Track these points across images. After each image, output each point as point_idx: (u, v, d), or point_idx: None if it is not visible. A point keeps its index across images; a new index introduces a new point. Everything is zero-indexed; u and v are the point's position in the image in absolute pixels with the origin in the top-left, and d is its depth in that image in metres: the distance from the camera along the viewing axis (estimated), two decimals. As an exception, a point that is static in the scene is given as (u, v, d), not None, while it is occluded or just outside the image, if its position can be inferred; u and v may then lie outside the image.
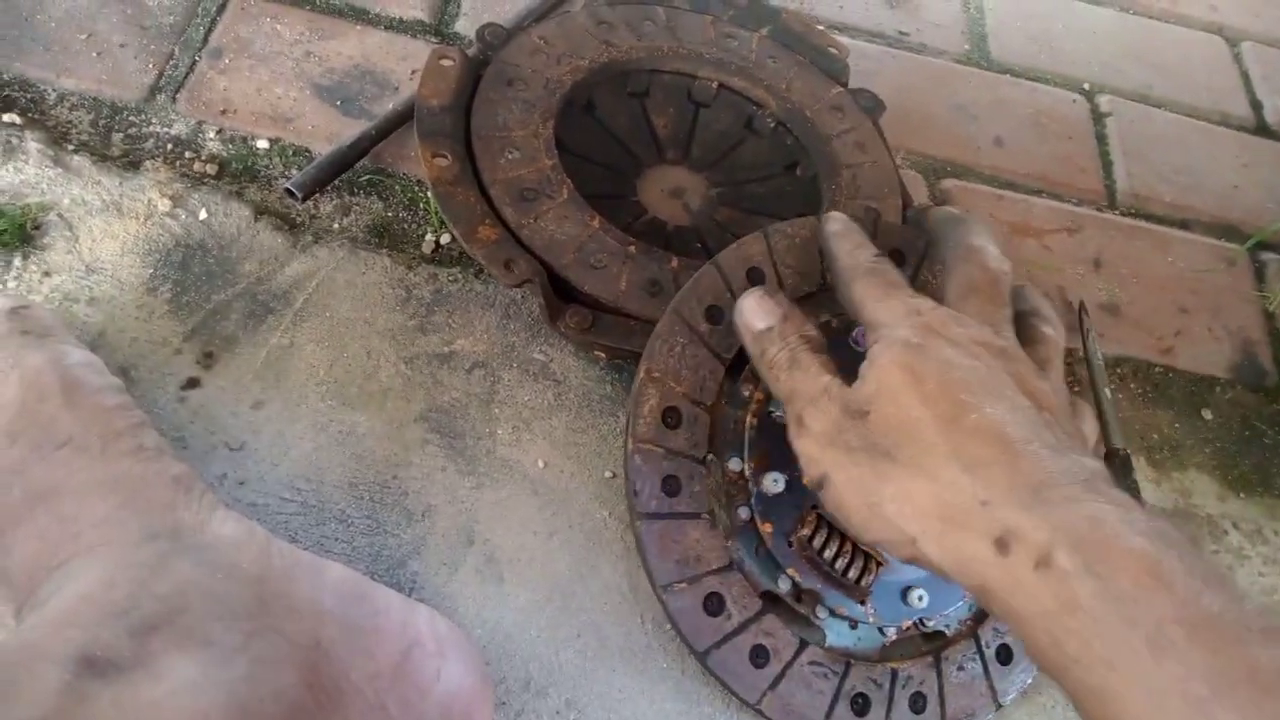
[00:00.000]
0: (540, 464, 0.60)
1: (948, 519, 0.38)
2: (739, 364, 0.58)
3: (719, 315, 0.57)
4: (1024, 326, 0.50)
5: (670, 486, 0.54)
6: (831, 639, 0.55)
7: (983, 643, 0.57)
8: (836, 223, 0.54)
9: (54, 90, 0.68)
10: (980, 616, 0.58)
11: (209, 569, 0.43)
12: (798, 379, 0.46)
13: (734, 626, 0.53)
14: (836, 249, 0.52)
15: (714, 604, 0.53)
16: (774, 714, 0.53)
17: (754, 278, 0.59)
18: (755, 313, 0.50)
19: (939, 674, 0.56)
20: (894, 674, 0.55)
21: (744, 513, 0.55)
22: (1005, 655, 0.57)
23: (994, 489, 0.37)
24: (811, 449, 0.44)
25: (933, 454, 0.39)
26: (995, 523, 0.37)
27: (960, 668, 0.56)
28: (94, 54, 0.70)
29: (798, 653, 0.54)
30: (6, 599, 0.44)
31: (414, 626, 0.47)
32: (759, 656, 0.53)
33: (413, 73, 0.75)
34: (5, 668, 0.37)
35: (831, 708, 0.53)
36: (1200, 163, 0.91)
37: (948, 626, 0.57)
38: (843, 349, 0.58)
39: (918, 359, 0.41)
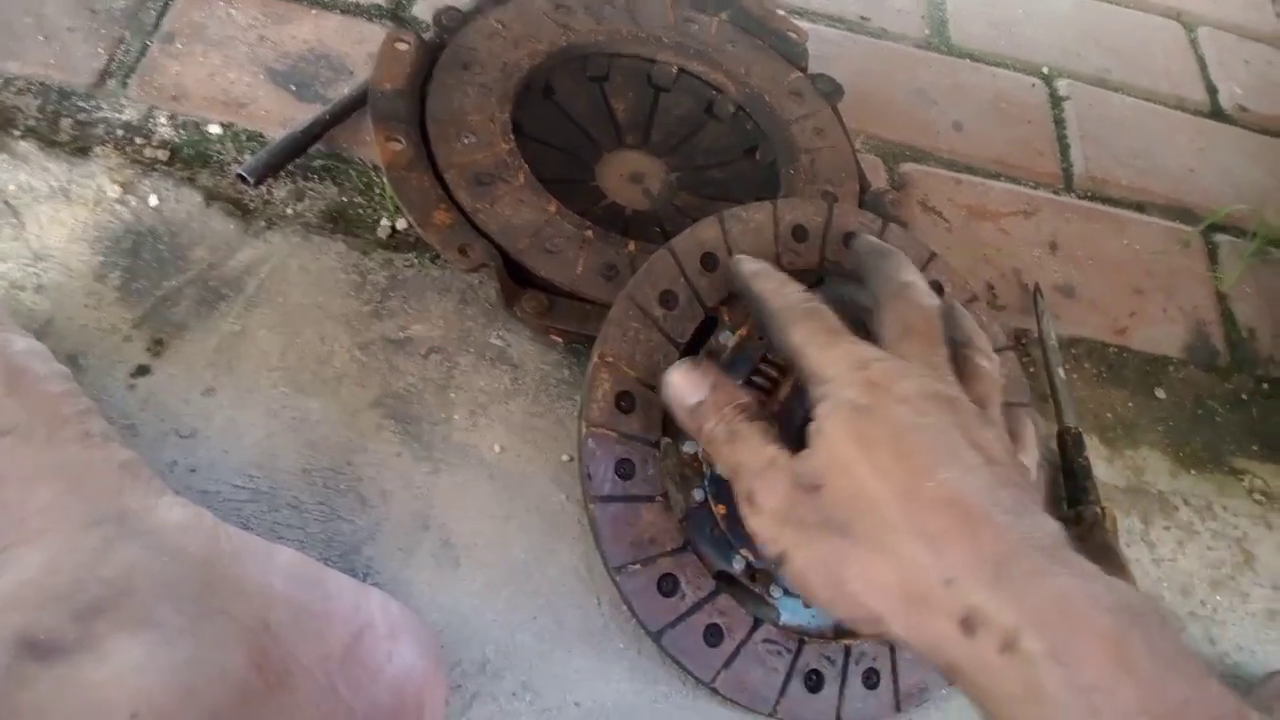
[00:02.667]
0: (497, 449, 0.60)
1: (912, 598, 0.38)
2: (693, 348, 0.58)
3: (673, 300, 0.58)
4: (959, 360, 0.48)
5: (624, 470, 0.54)
6: (785, 617, 0.56)
7: None
8: (751, 263, 0.52)
9: None
10: None
11: (155, 553, 0.43)
12: (740, 452, 0.45)
13: (688, 606, 0.53)
14: (761, 289, 0.50)
15: (668, 585, 0.53)
16: (728, 692, 0.53)
17: (708, 263, 0.59)
18: (683, 387, 0.48)
19: (892, 650, 0.56)
20: (847, 650, 0.55)
21: (698, 494, 0.55)
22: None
23: (956, 566, 0.36)
24: (767, 527, 0.43)
25: (892, 529, 0.38)
26: (959, 603, 0.36)
27: None
28: (41, 37, 0.69)
29: (751, 631, 0.54)
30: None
31: (366, 610, 0.47)
32: (713, 635, 0.53)
33: (369, 56, 0.75)
34: (-57, 654, 0.36)
35: (785, 684, 0.54)
36: (1156, 146, 0.92)
37: None
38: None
39: (868, 424, 0.40)
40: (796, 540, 0.41)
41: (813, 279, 0.63)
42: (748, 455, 0.44)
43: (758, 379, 0.56)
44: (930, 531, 0.37)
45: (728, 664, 0.53)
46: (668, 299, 0.57)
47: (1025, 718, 0.34)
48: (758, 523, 0.43)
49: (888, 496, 0.38)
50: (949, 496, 0.38)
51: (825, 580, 0.40)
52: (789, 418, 0.56)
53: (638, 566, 0.53)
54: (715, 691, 0.53)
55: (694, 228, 0.59)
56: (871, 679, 0.55)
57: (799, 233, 0.61)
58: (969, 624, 0.35)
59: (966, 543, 0.37)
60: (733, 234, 0.60)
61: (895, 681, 0.56)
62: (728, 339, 0.58)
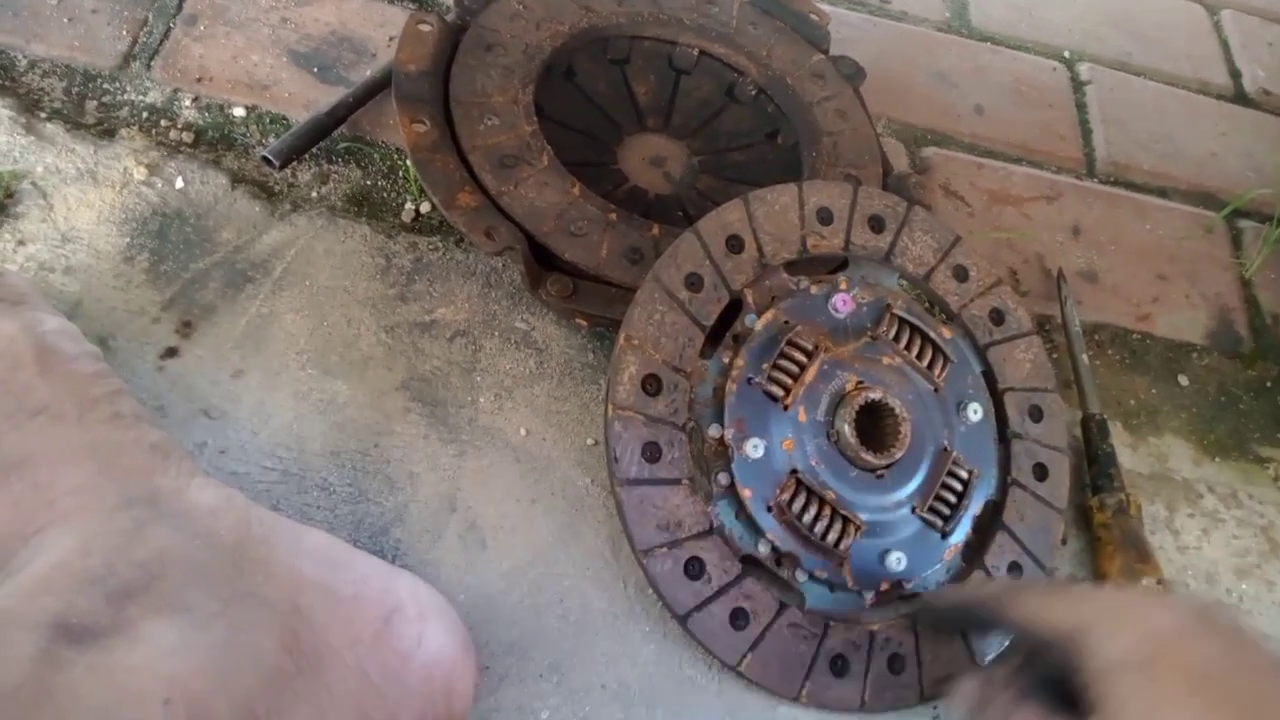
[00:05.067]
0: (522, 432, 0.60)
1: None
2: (719, 331, 0.58)
3: (698, 282, 0.57)
4: None
5: (650, 453, 0.54)
6: (811, 601, 0.56)
7: None
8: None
9: (24, 57, 0.67)
10: (958, 578, 0.58)
11: (186, 535, 0.43)
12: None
13: (714, 590, 0.54)
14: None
15: (694, 568, 0.54)
16: (754, 675, 0.54)
17: (733, 245, 0.59)
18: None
19: (916, 636, 0.56)
20: (872, 636, 0.56)
21: (724, 478, 0.55)
22: None
23: None
24: None
25: None
26: None
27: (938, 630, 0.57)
28: (65, 20, 0.69)
29: (777, 615, 0.54)
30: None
31: (395, 593, 0.47)
32: (739, 619, 0.54)
33: (391, 39, 0.74)
34: (-18, 635, 0.37)
35: (810, 668, 0.54)
36: (1179, 131, 0.92)
37: (926, 589, 0.57)
38: (820, 312, 0.59)
39: (1171, 694, 0.37)
40: None
41: (838, 262, 0.63)
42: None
43: (784, 361, 0.56)
44: None
45: (754, 647, 0.54)
46: (693, 281, 0.57)
47: None
48: None
49: None
50: None
51: None
52: (815, 401, 0.56)
53: (664, 549, 0.53)
54: (740, 675, 0.54)
55: (719, 210, 0.59)
56: (896, 664, 0.56)
57: (824, 215, 0.61)
58: None
59: None
60: (757, 216, 0.60)
61: (920, 668, 0.56)
62: (754, 322, 0.58)
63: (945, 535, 0.57)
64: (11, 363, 0.46)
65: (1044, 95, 0.90)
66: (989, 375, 0.62)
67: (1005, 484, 0.60)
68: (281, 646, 0.42)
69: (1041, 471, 0.61)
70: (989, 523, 0.60)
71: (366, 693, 0.44)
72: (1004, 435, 0.62)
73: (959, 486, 0.58)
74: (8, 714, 0.35)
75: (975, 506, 0.59)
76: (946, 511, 0.57)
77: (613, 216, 0.63)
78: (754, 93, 0.76)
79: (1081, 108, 0.91)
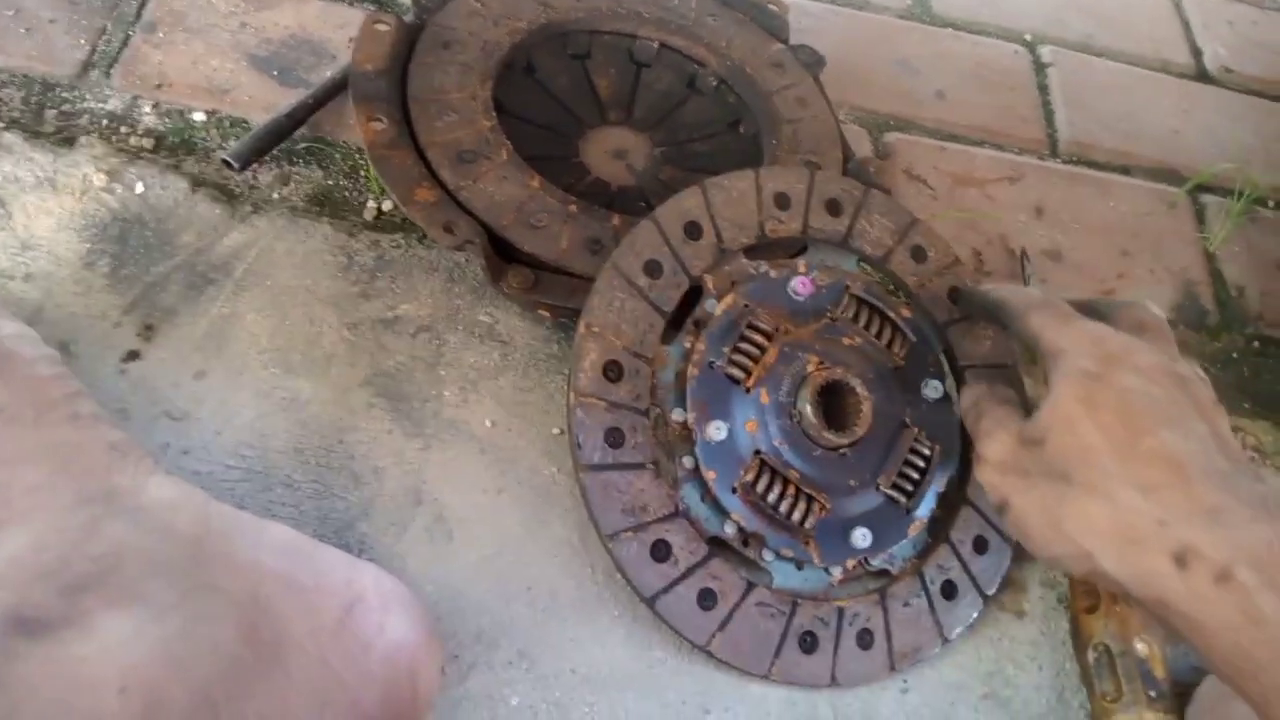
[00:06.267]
0: (488, 423, 0.61)
1: (1125, 538, 0.40)
2: (679, 317, 0.58)
3: (657, 269, 0.58)
4: None
5: (613, 438, 0.55)
6: (778, 580, 0.56)
7: (927, 579, 0.58)
8: (995, 285, 0.58)
9: (-18, 68, 0.67)
10: (924, 553, 0.59)
11: (144, 530, 0.43)
12: (980, 422, 0.50)
13: (681, 572, 0.54)
14: (1000, 291, 0.54)
15: (661, 551, 0.54)
16: (723, 655, 0.54)
17: (691, 232, 0.59)
18: (966, 396, 0.54)
19: (885, 611, 0.57)
20: (840, 612, 0.56)
21: (688, 461, 0.56)
22: (949, 590, 0.58)
23: (1170, 510, 0.39)
24: (990, 476, 0.47)
25: (1109, 478, 0.41)
26: (1173, 540, 0.39)
27: (906, 604, 0.57)
28: (22, 30, 0.69)
29: (745, 595, 0.54)
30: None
31: (358, 583, 0.48)
32: (706, 599, 0.54)
33: (350, 40, 0.75)
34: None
35: (780, 646, 0.54)
36: (1141, 109, 0.92)
37: (892, 564, 0.58)
38: (779, 296, 0.59)
39: (1096, 389, 0.43)
40: (1018, 486, 0.45)
41: (797, 247, 0.63)
42: (985, 422, 0.49)
43: (744, 345, 0.57)
44: (1145, 481, 0.40)
45: (722, 627, 0.54)
46: (652, 268, 0.58)
47: (1246, 640, 0.36)
48: (983, 473, 0.48)
49: (1107, 450, 0.41)
50: (1166, 454, 0.41)
51: (1042, 522, 0.43)
52: (776, 382, 0.56)
53: (630, 534, 0.54)
54: (710, 655, 0.54)
55: (677, 197, 0.60)
56: (865, 640, 0.56)
57: (781, 200, 0.61)
58: (1182, 559, 0.38)
59: (1180, 493, 0.40)
60: (715, 203, 0.60)
61: (889, 642, 0.56)
62: (714, 307, 0.58)
63: (909, 511, 0.58)
64: (-33, 366, 0.47)
65: (1006, 79, 0.91)
66: (949, 353, 0.62)
67: (968, 459, 0.61)
68: (240, 636, 0.42)
69: None
70: (954, 498, 0.60)
71: (328, 681, 0.44)
72: None
73: (921, 463, 0.58)
74: (-38, 708, 0.35)
75: (939, 482, 0.59)
76: (910, 488, 0.58)
77: (573, 208, 0.64)
78: (715, 83, 0.77)
79: (1044, 90, 0.92)
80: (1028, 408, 0.50)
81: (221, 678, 0.40)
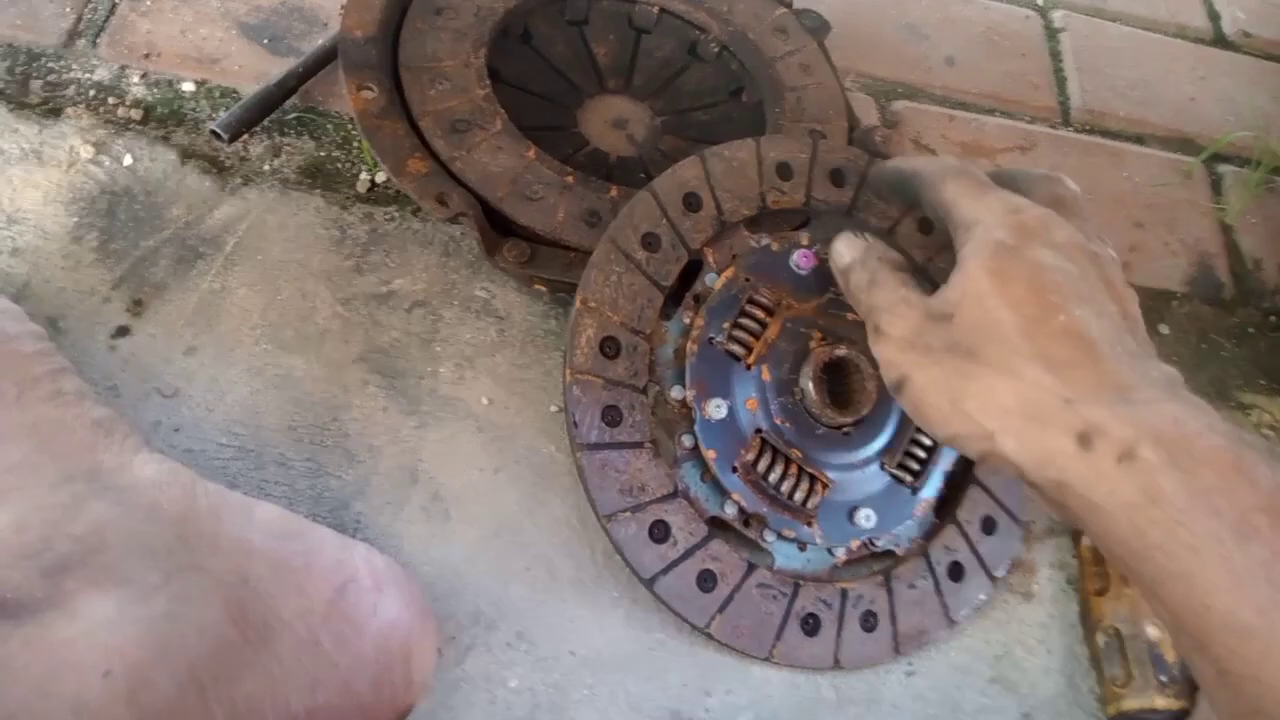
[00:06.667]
0: (484, 401, 0.59)
1: (1029, 415, 0.39)
2: (678, 292, 0.57)
3: (655, 242, 0.56)
4: None
5: (611, 417, 0.54)
6: (780, 561, 0.55)
7: (934, 561, 0.57)
8: (906, 157, 0.56)
9: (-34, 38, 0.66)
10: (930, 534, 0.57)
11: (128, 509, 0.42)
12: (876, 294, 0.47)
13: (680, 553, 0.53)
14: (915, 161, 0.52)
15: (659, 531, 0.53)
16: (723, 637, 0.53)
17: (690, 203, 0.57)
18: (842, 250, 0.51)
19: (889, 593, 0.56)
20: (844, 594, 0.55)
21: (687, 440, 0.54)
22: (956, 572, 0.57)
23: (1077, 389, 0.38)
24: (890, 353, 0.45)
25: (1017, 354, 0.40)
26: (1078, 419, 0.38)
27: (911, 586, 0.56)
28: (6, -2, 0.68)
29: (746, 576, 0.53)
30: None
31: (350, 563, 0.47)
32: (706, 581, 0.53)
33: (342, 7, 0.73)
34: (-89, 614, 0.36)
35: (781, 628, 0.53)
36: (1156, 76, 0.90)
37: (897, 545, 0.57)
38: (781, 269, 0.58)
39: (1009, 262, 0.41)
40: (920, 362, 0.43)
41: (799, 219, 0.61)
42: (883, 295, 0.46)
43: (745, 320, 0.55)
44: (1054, 359, 0.39)
45: (722, 609, 0.53)
46: (650, 241, 0.56)
47: (1142, 520, 0.35)
48: (882, 349, 0.45)
49: (1016, 325, 0.40)
50: (1077, 332, 0.39)
51: (943, 399, 0.42)
52: (778, 359, 0.55)
53: (628, 514, 0.53)
54: (710, 637, 0.53)
55: (675, 167, 0.58)
56: (870, 622, 0.55)
57: (783, 170, 0.60)
58: (1086, 439, 0.37)
59: (1088, 371, 0.38)
60: (715, 173, 0.58)
61: (894, 624, 0.55)
62: (714, 281, 0.57)
63: (915, 491, 0.57)
64: (-53, 344, 0.46)
65: (1017, 44, 0.89)
66: None
67: None
68: (227, 617, 0.41)
69: None
70: (961, 478, 0.58)
71: (319, 662, 0.43)
72: None
73: (928, 441, 0.57)
74: (-58, 693, 0.35)
75: (946, 461, 0.58)
76: (916, 467, 0.56)
77: (570, 179, 0.62)
78: (716, 50, 0.75)
79: (1056, 56, 0.89)
80: (916, 274, 0.48)
81: (208, 660, 0.39)
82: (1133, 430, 0.36)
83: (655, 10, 0.74)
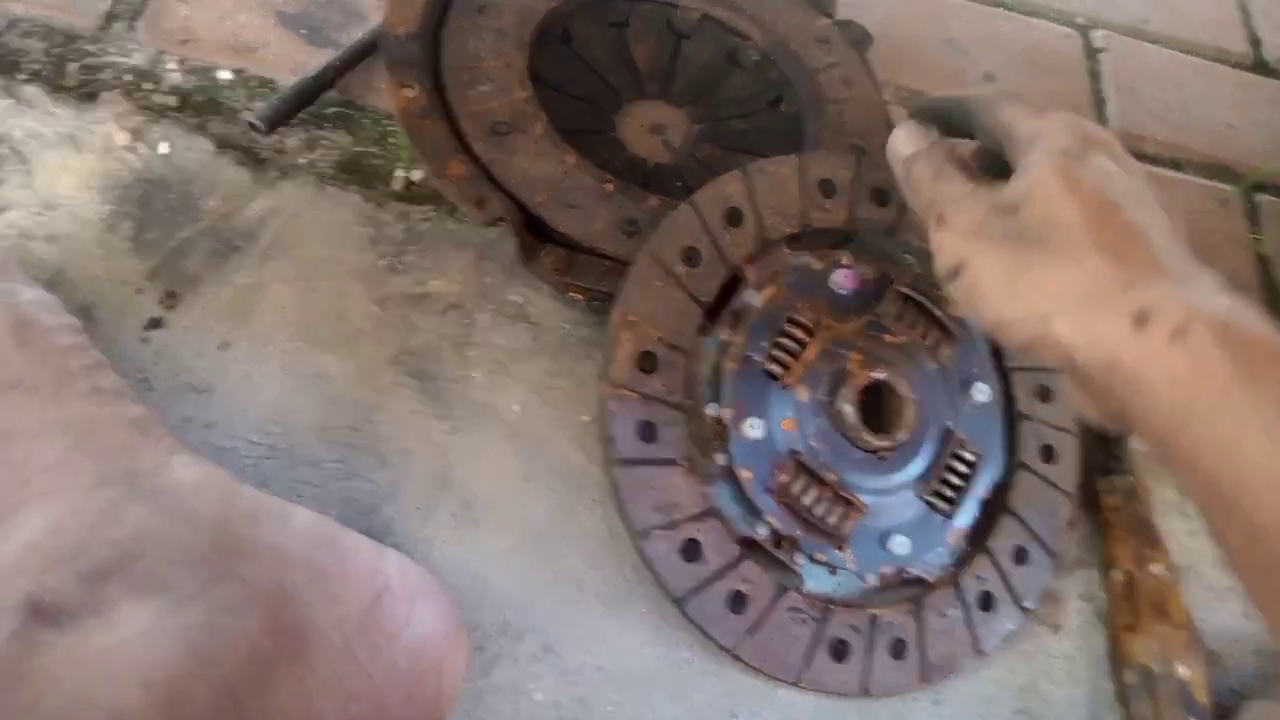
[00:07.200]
0: (516, 408, 0.59)
1: (1087, 298, 0.40)
2: (718, 307, 0.56)
3: (696, 257, 0.56)
4: None
5: (646, 432, 0.53)
6: (811, 585, 0.54)
7: (964, 589, 0.56)
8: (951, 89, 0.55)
9: (3, 17, 0.65)
10: (962, 563, 0.57)
11: (166, 514, 0.42)
12: (941, 186, 0.47)
13: (711, 572, 0.52)
14: (965, 89, 0.52)
15: (691, 550, 0.52)
16: (752, 659, 0.52)
17: (732, 218, 0.57)
18: (904, 141, 0.51)
19: (919, 621, 0.55)
20: (874, 620, 0.54)
21: (722, 459, 0.54)
22: (987, 602, 0.57)
23: (1136, 274, 0.40)
24: (951, 240, 0.45)
25: (1080, 246, 0.41)
26: (1135, 300, 0.39)
27: (941, 614, 0.56)
28: (45, -22, 0.67)
29: (776, 598, 0.53)
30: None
31: (383, 572, 0.46)
32: (737, 602, 0.52)
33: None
34: (-48, 617, 0.35)
35: (810, 653, 0.53)
36: (1195, 101, 0.89)
37: (929, 573, 0.56)
38: (821, 289, 0.57)
39: (1076, 165, 0.43)
40: (980, 249, 0.44)
41: (840, 237, 0.60)
42: (949, 187, 0.47)
43: (784, 339, 0.55)
44: (1116, 249, 0.40)
45: (752, 631, 0.52)
46: (690, 256, 0.56)
47: (1187, 394, 0.37)
48: (943, 237, 0.46)
49: (1081, 220, 0.41)
50: (1137, 230, 0.41)
51: (1000, 282, 0.43)
52: (816, 380, 0.54)
53: (661, 531, 0.52)
54: (738, 659, 0.52)
55: (717, 182, 0.57)
56: (899, 649, 0.54)
57: (826, 187, 0.59)
58: (1142, 318, 0.38)
59: (1147, 262, 0.40)
60: (758, 188, 0.58)
61: (923, 653, 0.55)
62: (753, 298, 0.56)
63: (949, 518, 0.56)
64: (-14, 335, 0.45)
65: (1057, 63, 0.88)
66: (997, 354, 0.60)
67: (1012, 466, 0.59)
68: (264, 628, 0.41)
69: (1049, 453, 0.60)
70: (995, 506, 0.58)
71: (353, 674, 0.43)
72: (1011, 416, 0.60)
73: (964, 469, 0.56)
74: (-19, 698, 0.34)
75: (980, 489, 0.57)
76: (950, 494, 0.56)
77: (609, 187, 0.61)
78: (757, 58, 0.74)
79: (1095, 76, 0.88)
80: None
81: (244, 671, 0.39)
82: (1186, 311, 0.37)
83: (697, 15, 0.74)
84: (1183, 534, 0.64)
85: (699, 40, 0.75)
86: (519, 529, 0.55)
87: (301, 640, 0.42)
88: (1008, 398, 0.60)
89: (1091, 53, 0.90)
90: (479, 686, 0.51)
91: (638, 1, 0.73)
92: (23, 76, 0.62)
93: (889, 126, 0.72)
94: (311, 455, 0.55)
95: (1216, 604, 0.62)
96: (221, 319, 0.57)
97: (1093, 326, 0.40)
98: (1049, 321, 0.41)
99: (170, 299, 0.57)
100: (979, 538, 0.57)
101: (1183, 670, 0.53)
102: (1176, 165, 0.85)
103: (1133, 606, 0.56)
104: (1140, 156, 0.82)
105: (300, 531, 0.45)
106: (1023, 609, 0.57)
